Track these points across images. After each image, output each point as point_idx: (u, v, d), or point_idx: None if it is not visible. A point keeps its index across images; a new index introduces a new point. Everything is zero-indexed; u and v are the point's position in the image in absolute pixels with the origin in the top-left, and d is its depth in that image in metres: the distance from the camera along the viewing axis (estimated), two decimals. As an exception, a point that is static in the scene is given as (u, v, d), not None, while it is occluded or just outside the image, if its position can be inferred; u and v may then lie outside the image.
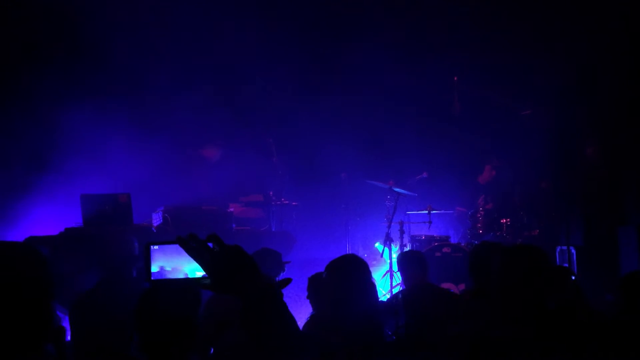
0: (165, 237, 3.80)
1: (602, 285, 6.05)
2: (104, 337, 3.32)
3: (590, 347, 2.35)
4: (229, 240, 1.43)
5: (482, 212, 7.63)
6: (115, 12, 6.89)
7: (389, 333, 3.05)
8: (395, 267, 6.69)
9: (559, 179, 7.88)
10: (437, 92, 8.24)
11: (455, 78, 8.05)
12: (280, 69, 7.94)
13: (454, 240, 7.87)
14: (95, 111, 6.55)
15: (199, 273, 1.44)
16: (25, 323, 1.65)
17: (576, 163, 7.94)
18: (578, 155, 8.02)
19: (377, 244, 8.34)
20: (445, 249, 6.94)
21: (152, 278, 1.47)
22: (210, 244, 1.41)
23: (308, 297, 3.92)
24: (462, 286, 6.55)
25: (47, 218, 6.54)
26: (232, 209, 6.55)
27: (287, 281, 1.56)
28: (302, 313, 3.85)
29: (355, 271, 3.00)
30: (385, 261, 7.28)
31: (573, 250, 6.94)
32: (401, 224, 7.40)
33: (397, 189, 7.43)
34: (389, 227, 7.32)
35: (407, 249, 7.28)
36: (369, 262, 3.24)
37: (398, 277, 6.20)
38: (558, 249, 7.29)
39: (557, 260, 7.23)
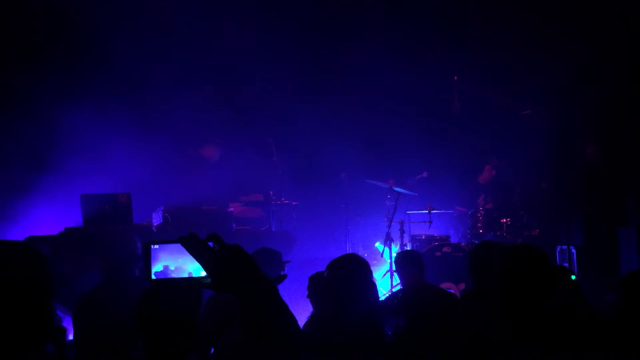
0: (166, 237, 3.79)
1: (602, 285, 6.07)
2: (107, 337, 3.33)
3: (590, 347, 2.35)
4: (229, 240, 1.42)
5: (482, 212, 7.63)
6: (115, 12, 6.90)
7: (389, 333, 3.05)
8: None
9: (559, 179, 7.88)
10: (437, 92, 8.25)
11: (455, 78, 8.05)
12: (280, 69, 7.94)
13: (454, 239, 7.87)
14: (95, 111, 6.55)
15: (203, 272, 1.43)
16: (25, 323, 1.65)
17: (576, 163, 7.94)
18: (578, 155, 8.02)
19: (377, 244, 8.34)
20: (445, 249, 6.94)
21: (155, 277, 1.46)
22: (210, 244, 1.41)
23: (308, 297, 3.91)
24: (462, 286, 6.55)
25: (47, 218, 6.53)
26: (232, 209, 6.54)
27: (282, 277, 1.56)
28: (302, 312, 3.84)
29: (356, 270, 3.00)
30: (385, 261, 7.28)
31: (573, 250, 6.95)
32: (401, 223, 7.40)
33: (397, 189, 7.43)
34: (389, 226, 7.31)
35: (407, 248, 7.27)
36: (369, 262, 3.23)
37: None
38: (558, 248, 7.30)
39: (557, 260, 7.24)
